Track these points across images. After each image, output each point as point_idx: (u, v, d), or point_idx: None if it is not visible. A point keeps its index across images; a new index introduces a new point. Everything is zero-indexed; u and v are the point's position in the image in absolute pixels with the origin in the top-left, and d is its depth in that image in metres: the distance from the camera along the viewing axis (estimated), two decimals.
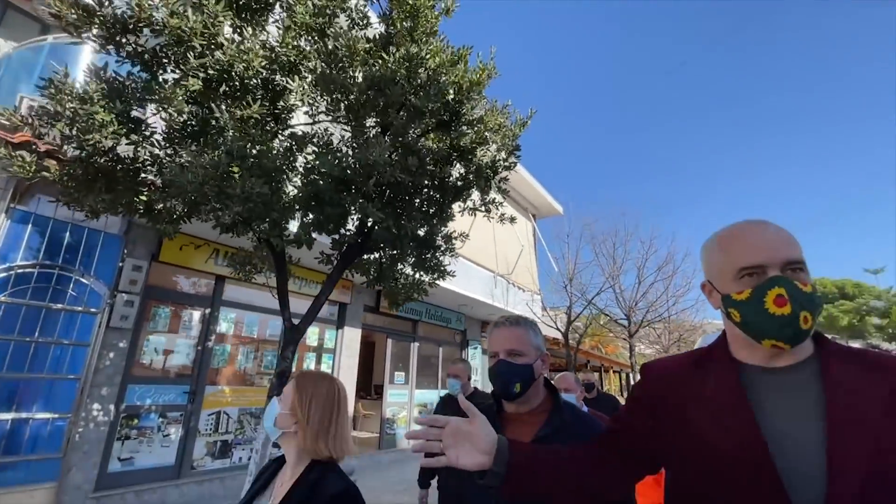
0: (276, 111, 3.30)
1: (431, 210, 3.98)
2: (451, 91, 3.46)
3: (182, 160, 2.81)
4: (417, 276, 4.46)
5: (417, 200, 3.87)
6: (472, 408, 0.98)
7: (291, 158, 3.35)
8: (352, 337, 7.63)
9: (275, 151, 3.01)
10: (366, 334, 8.02)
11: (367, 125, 3.35)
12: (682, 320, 18.37)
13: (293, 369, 3.66)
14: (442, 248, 4.30)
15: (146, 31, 2.71)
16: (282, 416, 1.24)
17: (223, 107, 2.81)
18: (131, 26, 2.61)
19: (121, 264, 4.76)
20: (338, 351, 7.37)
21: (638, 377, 1.06)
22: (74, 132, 2.61)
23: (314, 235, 3.36)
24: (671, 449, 0.92)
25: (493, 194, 4.32)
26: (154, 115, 3.09)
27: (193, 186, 2.51)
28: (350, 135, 3.61)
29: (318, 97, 3.46)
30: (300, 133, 3.54)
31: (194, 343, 5.43)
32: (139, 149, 2.87)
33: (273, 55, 3.04)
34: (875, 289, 29.29)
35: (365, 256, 4.23)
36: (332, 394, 1.27)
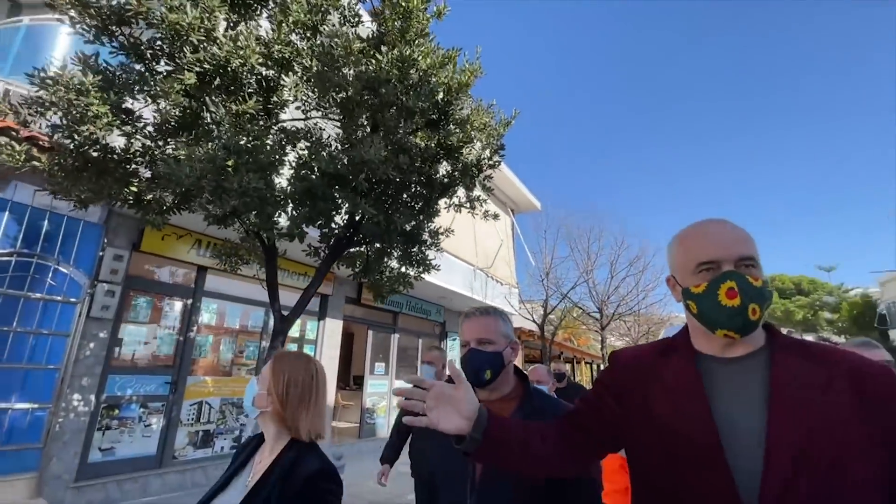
0: (269, 106, 3.35)
1: (418, 206, 4.11)
2: (441, 91, 3.59)
3: (176, 153, 2.84)
4: (403, 269, 4.59)
5: (405, 196, 3.99)
6: (460, 374, 1.02)
7: (282, 153, 3.42)
8: (333, 328, 7.69)
9: (269, 146, 3.07)
10: (345, 326, 8.10)
11: (359, 123, 3.44)
12: (651, 313, 19.14)
13: None
14: (427, 243, 4.44)
15: (141, 22, 2.73)
16: (259, 395, 1.24)
17: (219, 101, 2.86)
18: (127, 18, 2.62)
19: (101, 253, 4.70)
20: (319, 342, 7.43)
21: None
22: (66, 122, 2.61)
23: (305, 229, 3.45)
24: (633, 431, 0.97)
25: (477, 191, 4.48)
26: (144, 106, 3.11)
27: (191, 180, 2.56)
28: (341, 131, 3.70)
29: (311, 93, 3.52)
30: (292, 128, 3.60)
31: (176, 333, 5.41)
32: (132, 140, 2.89)
33: (268, 51, 3.09)
34: (828, 285, 31.15)
35: (352, 249, 4.33)
36: (309, 374, 1.27)
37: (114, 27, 2.66)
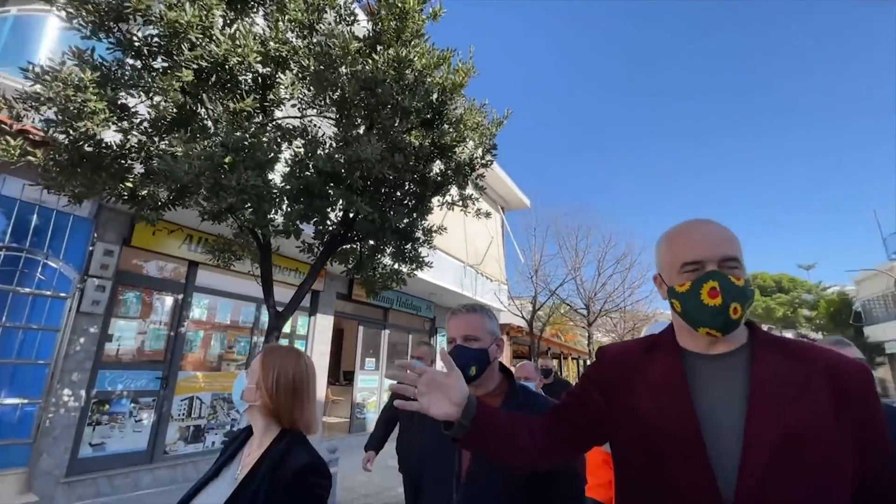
0: (265, 103, 3.37)
1: (412, 203, 4.17)
2: (436, 92, 3.64)
3: (173, 149, 2.86)
4: (396, 266, 4.64)
5: (400, 194, 4.05)
6: (451, 362, 1.04)
7: (278, 150, 3.45)
8: (324, 324, 7.72)
9: (266, 143, 3.10)
10: (335, 322, 8.13)
11: (355, 123, 3.48)
12: (637, 310, 19.52)
13: None
14: (421, 240, 4.50)
15: (138, 19, 2.73)
16: (248, 389, 1.23)
17: (217, 99, 2.88)
18: (125, 14, 2.62)
19: (91, 248, 4.67)
20: (310, 337, 7.46)
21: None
22: (63, 118, 2.61)
23: (300, 226, 3.48)
24: (617, 425, 0.99)
25: (469, 190, 4.56)
26: (140, 102, 3.11)
27: (189, 177, 2.59)
28: (336, 129, 3.73)
29: (306, 91, 3.55)
30: (289, 126, 3.62)
31: (167, 329, 5.39)
32: (129, 136, 2.89)
33: (265, 49, 3.12)
34: (807, 283, 32.01)
35: (346, 246, 4.37)
36: (299, 368, 1.26)
37: (111, 23, 2.66)
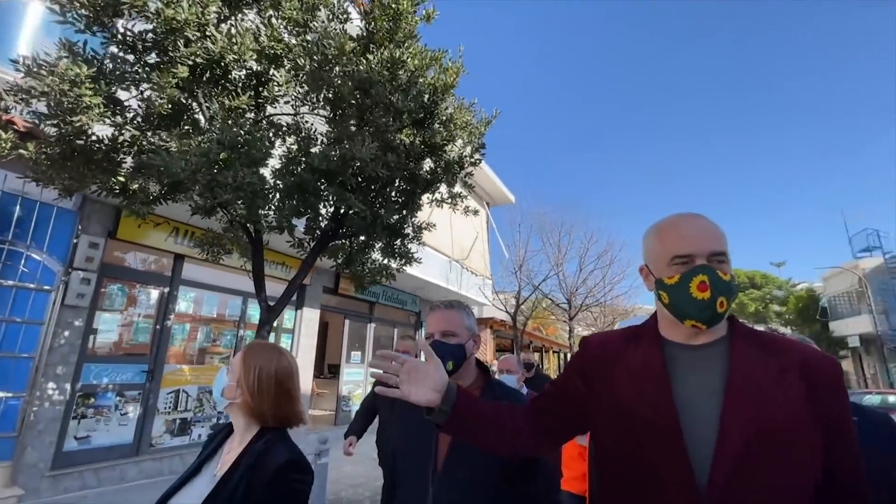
0: (259, 100, 3.40)
1: (402, 200, 4.26)
2: (427, 92, 3.72)
3: (167, 144, 2.88)
4: (385, 261, 4.73)
5: (391, 191, 4.13)
6: (431, 351, 1.06)
7: (271, 146, 3.48)
8: (311, 317, 7.75)
9: (260, 140, 3.14)
10: (320, 315, 8.17)
11: (349, 122, 3.54)
12: (616, 305, 19.99)
13: None
14: (410, 236, 4.60)
15: (133, 14, 2.73)
16: (229, 386, 1.22)
17: (213, 96, 2.90)
18: (121, 9, 2.62)
19: (75, 241, 4.61)
20: (297, 331, 7.48)
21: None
22: (57, 112, 2.61)
23: (294, 222, 3.54)
24: (598, 413, 1.00)
25: (458, 188, 4.66)
26: (132, 97, 3.11)
27: (186, 174, 2.62)
28: (328, 127, 3.78)
29: (300, 88, 3.58)
30: (278, 122, 3.66)
31: (152, 322, 5.37)
32: (122, 131, 2.90)
33: (259, 46, 3.14)
34: (778, 280, 33.25)
35: (337, 242, 4.43)
36: (281, 365, 1.25)
37: (106, 18, 2.66)
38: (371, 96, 3.21)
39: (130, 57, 2.89)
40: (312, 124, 3.84)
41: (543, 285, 14.22)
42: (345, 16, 3.75)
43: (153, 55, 2.97)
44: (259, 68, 3.31)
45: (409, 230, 4.52)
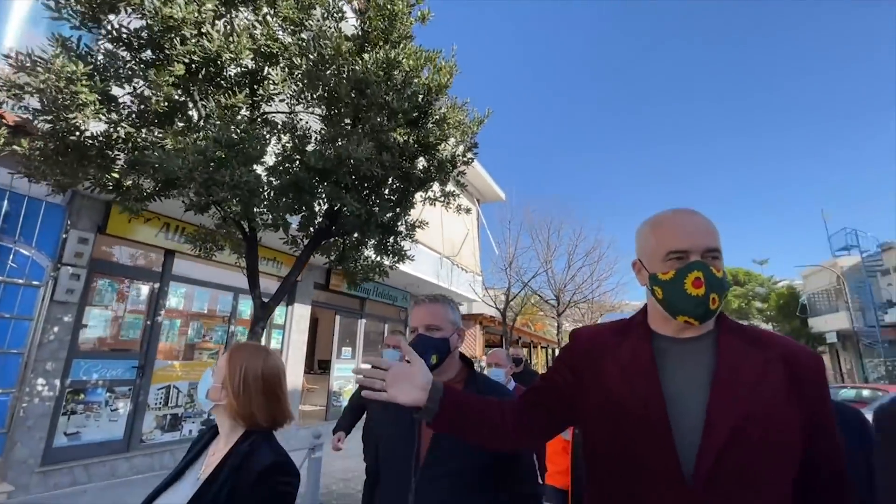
0: (255, 98, 3.42)
1: (396, 198, 4.31)
2: (422, 92, 3.77)
3: (162, 142, 2.89)
4: (378, 258, 4.77)
5: (385, 190, 4.17)
6: (413, 352, 1.09)
7: (266, 144, 3.50)
8: (301, 313, 7.76)
9: (256, 139, 3.16)
10: (310, 311, 8.18)
11: (344, 122, 3.57)
12: (604, 301, 20.28)
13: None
14: (403, 234, 4.65)
15: (129, 11, 2.73)
16: (214, 388, 1.21)
17: (210, 94, 2.91)
18: (117, 6, 2.62)
19: (64, 236, 4.57)
20: (287, 327, 7.49)
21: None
22: (52, 108, 2.60)
23: (288, 219, 3.56)
24: (588, 404, 1.00)
25: (450, 186, 4.72)
26: (126, 93, 3.10)
27: (183, 172, 2.64)
28: (322, 125, 3.80)
29: (295, 86, 3.60)
30: (272, 119, 3.67)
31: (143, 318, 5.35)
32: (118, 128, 2.90)
33: (255, 45, 3.16)
34: (760, 277, 34.02)
35: (330, 239, 4.46)
36: (267, 366, 1.24)
37: (101, 15, 2.66)
38: (367, 96, 3.25)
39: (125, 54, 2.89)
40: (307, 122, 3.86)
41: (532, 282, 14.38)
42: (339, 14, 3.77)
43: (148, 52, 2.96)
44: (254, 66, 3.32)
45: (402, 228, 4.57)
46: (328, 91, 3.31)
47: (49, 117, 2.70)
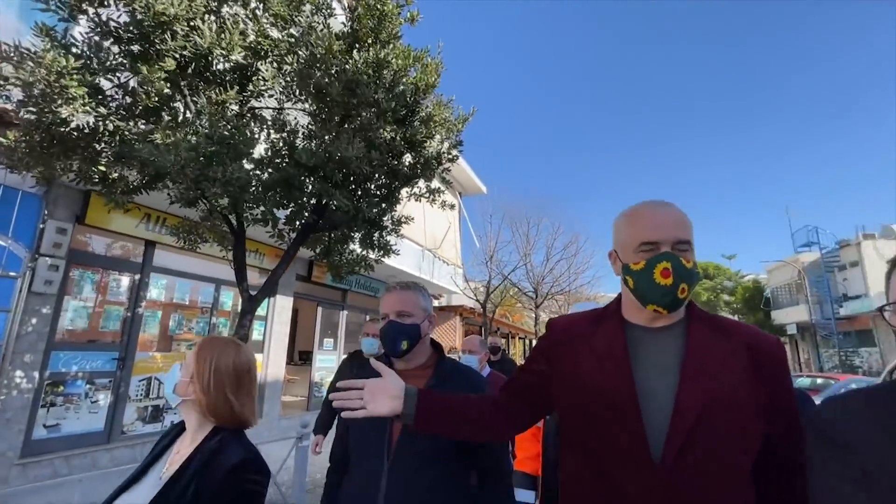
0: (245, 93, 3.44)
1: (383, 194, 4.39)
2: (410, 91, 3.85)
3: (152, 137, 2.90)
4: (364, 252, 4.86)
5: (372, 186, 4.26)
6: (383, 367, 1.14)
7: (256, 140, 3.53)
8: (283, 305, 7.77)
9: (247, 135, 3.19)
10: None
11: (334, 120, 3.62)
12: (580, 293, 20.84)
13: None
14: (389, 229, 4.74)
15: (119, 5, 2.72)
16: (182, 382, 1.17)
17: (201, 90, 2.93)
18: (106, 0, 2.61)
19: (42, 226, 4.48)
20: (269, 318, 7.50)
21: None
22: (40, 101, 2.58)
23: (276, 214, 3.61)
24: (562, 391, 1.04)
25: (436, 183, 4.83)
26: (115, 87, 3.09)
27: (176, 168, 2.67)
28: (310, 119, 3.84)
29: (284, 82, 3.63)
30: (260, 114, 3.70)
31: (123, 309, 5.29)
32: (107, 122, 2.89)
33: (248, 43, 3.18)
34: (728, 271, 35.42)
35: (317, 233, 4.52)
36: (238, 360, 1.20)
37: (90, 7, 2.64)
38: (357, 95, 3.32)
39: (114, 47, 2.88)
40: (295, 118, 3.90)
41: (512, 275, 14.68)
42: (329, 10, 3.80)
43: (137, 45, 2.95)
44: (245, 62, 3.33)
45: (388, 223, 4.66)
46: (318, 89, 3.36)
47: (34, 109, 2.68)
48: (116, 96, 3.11)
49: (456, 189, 13.58)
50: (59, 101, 2.54)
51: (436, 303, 13.28)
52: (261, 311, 7.41)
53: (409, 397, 1.07)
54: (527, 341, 25.37)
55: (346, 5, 3.88)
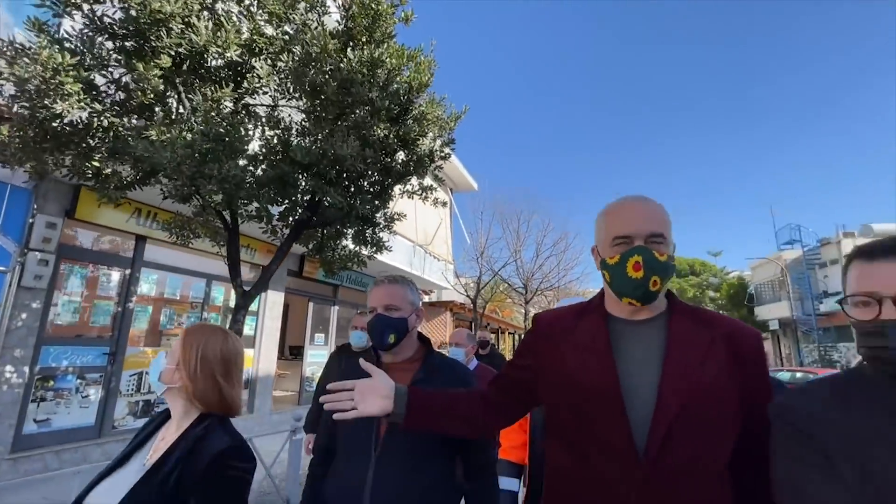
0: (239, 91, 3.46)
1: (376, 191, 4.44)
2: (404, 90, 3.90)
3: (147, 133, 2.91)
4: (357, 248, 4.91)
5: (365, 183, 4.30)
6: (372, 367, 1.15)
7: (251, 137, 3.56)
8: (275, 300, 7.78)
9: (241, 132, 3.22)
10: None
11: (328, 118, 3.66)
12: (570, 289, 21.09)
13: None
14: (381, 226, 4.80)
15: (114, 2, 2.73)
16: (167, 370, 1.15)
17: (196, 88, 2.95)
18: None
19: (31, 220, 4.45)
20: (261, 313, 7.51)
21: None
22: (34, 96, 2.59)
23: (271, 210, 3.66)
24: (548, 384, 1.05)
25: (428, 180, 4.90)
26: (109, 82, 3.09)
27: (172, 165, 2.70)
28: (304, 116, 3.87)
29: (279, 80, 3.66)
30: (260, 113, 3.72)
31: (113, 304, 5.27)
32: (101, 118, 2.90)
33: (243, 41, 3.20)
34: (714, 268, 36.09)
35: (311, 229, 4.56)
36: (227, 347, 1.19)
37: (86, 4, 2.65)
38: (352, 94, 3.36)
39: (108, 43, 2.88)
40: (289, 115, 3.92)
41: (502, 271, 14.83)
42: (323, 8, 3.82)
43: (131, 42, 2.96)
44: (239, 59, 3.35)
45: (380, 220, 4.71)
46: (313, 87, 3.39)
47: (27, 104, 2.68)
48: (109, 91, 3.12)
49: (447, 185, 13.63)
50: (54, 97, 2.55)
51: (427, 298, 13.36)
52: (252, 307, 7.35)
53: (399, 397, 1.08)
54: (516, 336, 25.60)
55: (341, 3, 3.91)
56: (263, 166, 3.51)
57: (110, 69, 2.85)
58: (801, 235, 23.32)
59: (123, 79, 3.11)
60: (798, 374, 11.10)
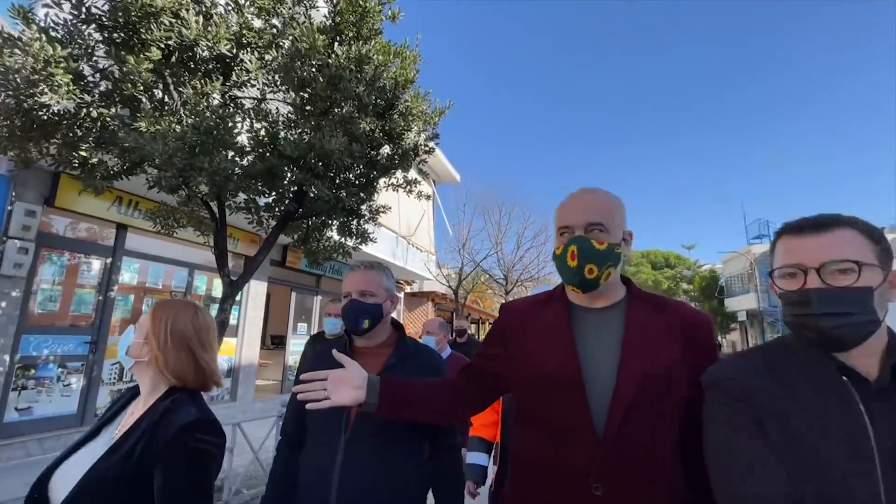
0: (228, 83, 3.50)
1: (361, 183, 4.54)
2: (390, 86, 4.00)
3: (137, 125, 2.95)
4: (342, 239, 5.00)
5: (351, 176, 4.40)
6: (345, 358, 1.16)
7: (240, 130, 3.61)
8: (257, 290, 7.80)
9: (230, 125, 3.28)
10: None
11: (315, 112, 3.74)
12: (549, 280, 21.55)
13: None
14: (366, 218, 4.90)
15: None
16: (135, 344, 1.13)
17: (185, 81, 3.00)
18: None
19: (10, 208, 4.40)
20: (244, 303, 7.53)
21: None
22: (23, 86, 2.60)
23: (259, 202, 3.73)
24: (514, 368, 1.09)
25: (413, 174, 5.01)
26: (95, 73, 3.10)
27: (164, 158, 2.76)
28: (291, 109, 3.93)
29: (268, 74, 3.71)
30: (248, 105, 3.77)
31: (95, 293, 5.25)
32: (89, 108, 2.92)
33: (232, 35, 3.24)
34: (688, 261, 37.24)
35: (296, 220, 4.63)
36: (196, 321, 1.16)
37: None
38: (339, 90, 3.44)
39: (97, 34, 2.90)
40: (276, 108, 3.98)
41: (484, 262, 15.06)
42: (311, 1, 3.87)
43: (120, 33, 2.98)
44: (228, 52, 3.39)
45: (365, 212, 4.82)
46: (301, 82, 3.46)
47: (12, 94, 2.69)
48: (96, 80, 3.13)
49: (430, 177, 13.71)
50: (44, 87, 2.57)
51: (409, 289, 13.50)
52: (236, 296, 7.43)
53: (372, 387, 1.10)
54: None
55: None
56: (251, 158, 3.57)
57: (96, 59, 2.86)
58: (770, 230, 24.30)
59: (110, 69, 3.13)
60: None
